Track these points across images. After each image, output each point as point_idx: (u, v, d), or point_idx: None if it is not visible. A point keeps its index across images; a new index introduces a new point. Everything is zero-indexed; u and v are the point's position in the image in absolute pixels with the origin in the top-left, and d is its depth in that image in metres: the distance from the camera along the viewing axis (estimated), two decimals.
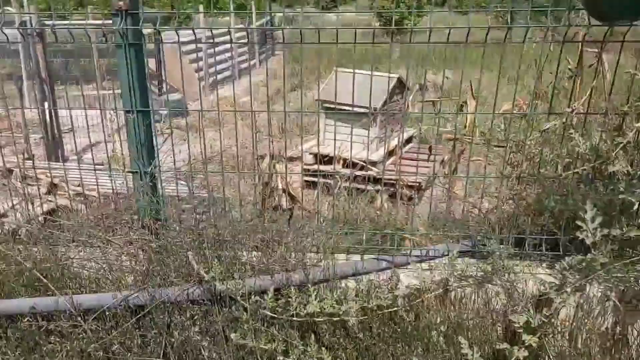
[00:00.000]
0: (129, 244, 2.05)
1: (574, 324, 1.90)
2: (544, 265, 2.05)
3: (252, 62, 13.20)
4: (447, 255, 2.14)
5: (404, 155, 5.24)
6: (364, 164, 4.72)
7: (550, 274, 1.94)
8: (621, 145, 1.67)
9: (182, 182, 2.94)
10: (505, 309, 1.91)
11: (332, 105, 4.99)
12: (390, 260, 2.07)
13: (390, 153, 5.25)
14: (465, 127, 3.45)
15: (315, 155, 5.29)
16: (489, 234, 1.99)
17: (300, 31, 2.00)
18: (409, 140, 5.84)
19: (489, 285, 1.94)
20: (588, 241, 1.74)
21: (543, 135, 1.72)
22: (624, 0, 1.39)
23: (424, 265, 2.08)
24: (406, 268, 2.09)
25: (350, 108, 4.68)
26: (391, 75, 5.15)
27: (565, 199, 1.87)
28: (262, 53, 14.05)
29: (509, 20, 1.90)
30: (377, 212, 3.88)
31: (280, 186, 2.78)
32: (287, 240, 2.21)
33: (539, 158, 1.75)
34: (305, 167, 5.34)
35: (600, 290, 1.87)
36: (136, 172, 1.98)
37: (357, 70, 5.55)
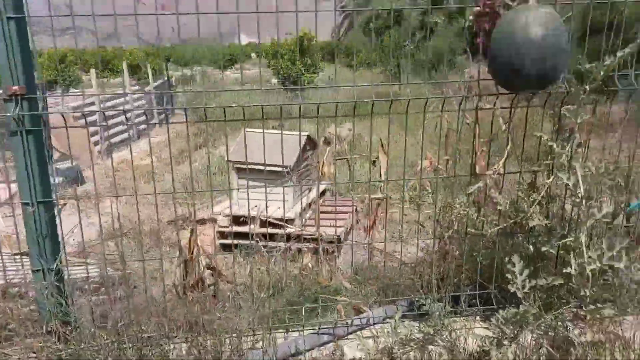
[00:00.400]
0: (32, 354, 1.76)
1: None
2: (477, 318, 2.09)
3: (151, 122, 12.76)
4: (387, 319, 2.11)
5: (320, 209, 5.26)
6: (281, 222, 4.65)
7: (487, 328, 1.97)
8: (536, 201, 1.78)
9: (93, 264, 2.65)
10: None
11: (244, 166, 4.92)
12: (331, 333, 1.98)
13: (306, 208, 5.25)
14: (380, 183, 3.54)
15: (230, 216, 5.12)
16: (426, 294, 2.00)
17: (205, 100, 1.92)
18: (323, 193, 5.90)
19: (432, 346, 1.93)
20: (519, 293, 1.81)
21: (469, 197, 1.79)
22: (531, 78, 1.53)
23: (366, 332, 2.03)
24: (348, 339, 2.02)
25: (263, 167, 4.63)
26: (302, 133, 5.22)
27: (492, 252, 1.95)
28: (161, 113, 13.66)
29: (408, 93, 2.00)
30: (302, 271, 3.80)
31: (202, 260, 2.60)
32: (218, 323, 2.05)
33: (466, 218, 1.81)
34: (219, 229, 5.14)
35: (533, 338, 1.93)
36: (38, 270, 1.72)
37: (266, 131, 5.56)
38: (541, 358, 1.99)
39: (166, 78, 15.22)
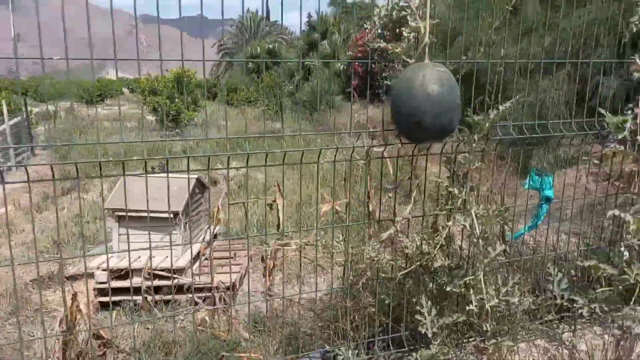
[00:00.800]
0: None
1: None
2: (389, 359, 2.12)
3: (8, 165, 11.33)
4: None
5: (213, 255, 5.04)
6: (168, 274, 4.36)
7: None
8: (439, 243, 1.89)
9: None
10: None
11: (124, 214, 4.55)
12: None
13: (197, 256, 4.99)
14: (278, 226, 3.51)
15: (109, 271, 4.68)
16: (339, 342, 1.98)
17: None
18: (215, 237, 5.67)
19: None
20: (429, 333, 1.88)
21: (381, 243, 1.84)
22: (431, 130, 1.64)
23: None
24: None
25: (147, 214, 4.32)
26: (190, 176, 5.02)
27: (401, 295, 2.01)
28: (19, 154, 12.24)
29: (301, 143, 2.04)
30: (198, 326, 3.57)
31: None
32: None
33: (377, 262, 1.86)
34: (97, 286, 4.65)
35: None
36: None
37: (150, 175, 5.25)
38: None
39: (25, 115, 13.75)
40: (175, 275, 4.33)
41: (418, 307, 1.89)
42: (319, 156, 1.99)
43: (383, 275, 1.91)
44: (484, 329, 1.89)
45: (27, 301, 4.86)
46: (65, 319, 2.15)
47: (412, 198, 1.83)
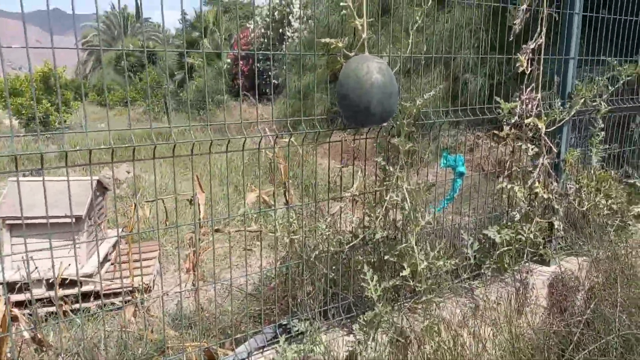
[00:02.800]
0: None
1: None
2: (342, 328, 2.32)
3: None
4: (260, 349, 2.16)
5: (123, 258, 4.82)
6: (76, 279, 4.10)
7: (351, 333, 2.22)
8: (379, 217, 2.13)
9: None
10: None
11: (19, 222, 4.18)
12: None
13: (104, 260, 4.74)
14: (200, 219, 3.53)
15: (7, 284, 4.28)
16: (292, 315, 2.13)
17: None
18: (121, 240, 5.40)
19: None
20: (373, 297, 2.11)
21: (332, 218, 2.02)
22: (376, 115, 1.87)
23: None
24: None
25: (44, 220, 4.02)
26: (92, 177, 4.75)
27: (348, 266, 2.22)
28: None
29: (192, 135, 2.14)
30: (124, 329, 3.44)
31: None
32: None
33: (327, 238, 2.04)
34: None
35: (384, 333, 2.26)
36: None
37: (47, 178, 4.89)
38: (392, 349, 2.33)
39: None
40: (89, 279, 4.10)
41: (362, 276, 2.11)
42: (227, 144, 2.06)
43: (332, 249, 2.10)
44: (417, 289, 2.17)
45: None
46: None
47: (358, 177, 2.05)
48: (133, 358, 2.54)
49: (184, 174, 9.41)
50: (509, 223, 2.71)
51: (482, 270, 2.58)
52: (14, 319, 2.28)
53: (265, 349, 2.13)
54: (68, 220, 4.28)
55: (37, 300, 4.14)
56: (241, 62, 19.18)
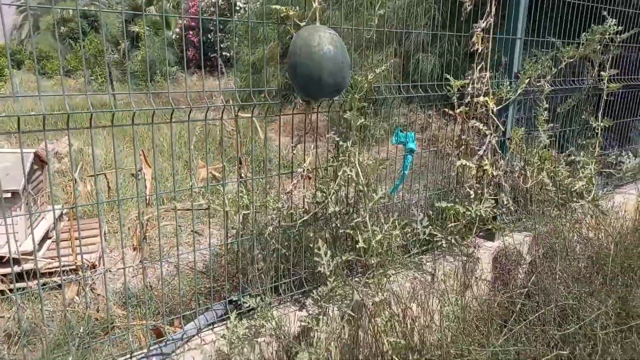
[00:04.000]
0: None
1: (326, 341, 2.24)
2: (292, 304, 2.32)
3: None
4: (208, 326, 2.12)
5: (62, 235, 4.60)
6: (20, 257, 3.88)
7: (303, 308, 2.22)
8: (332, 192, 2.12)
9: None
10: (278, 354, 2.07)
11: None
12: (159, 353, 1.87)
13: (45, 238, 4.50)
14: (147, 196, 3.42)
15: None
16: (243, 291, 2.11)
17: None
18: (60, 217, 5.14)
19: (260, 338, 2.05)
20: (326, 272, 2.12)
21: (286, 193, 1.99)
22: (328, 87, 1.84)
23: (192, 344, 1.99)
24: (176, 354, 1.95)
25: None
26: (26, 151, 4.48)
27: (299, 241, 2.20)
28: None
29: (133, 104, 2.06)
30: (68, 308, 3.30)
31: None
32: None
33: (279, 213, 2.01)
34: None
35: (337, 308, 2.28)
36: None
37: None
38: (345, 323, 2.36)
39: None
40: (29, 257, 3.89)
41: (316, 250, 2.10)
42: (171, 115, 1.98)
43: (284, 223, 2.08)
44: (371, 262, 2.20)
45: None
46: None
47: (311, 152, 2.02)
48: (78, 337, 2.44)
49: (129, 148, 9.05)
50: (457, 199, 2.78)
51: (431, 245, 2.65)
52: None
53: (215, 326, 2.10)
54: (4, 195, 4.02)
55: None
56: (190, 33, 18.49)
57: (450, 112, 2.62)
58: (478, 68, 2.56)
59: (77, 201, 4.99)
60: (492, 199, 2.80)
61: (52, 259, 4.12)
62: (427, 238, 2.62)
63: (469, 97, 2.55)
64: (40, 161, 4.68)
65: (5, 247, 4.13)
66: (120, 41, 22.73)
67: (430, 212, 2.71)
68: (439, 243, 2.63)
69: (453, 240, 2.61)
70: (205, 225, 4.42)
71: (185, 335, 1.98)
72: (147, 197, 3.50)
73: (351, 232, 2.15)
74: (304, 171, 1.97)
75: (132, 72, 18.31)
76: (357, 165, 2.14)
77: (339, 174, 2.12)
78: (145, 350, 1.84)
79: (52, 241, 4.64)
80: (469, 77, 2.55)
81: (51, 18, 29.76)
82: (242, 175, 2.29)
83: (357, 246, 2.15)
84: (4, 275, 4.05)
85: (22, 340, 3.08)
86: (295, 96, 2.00)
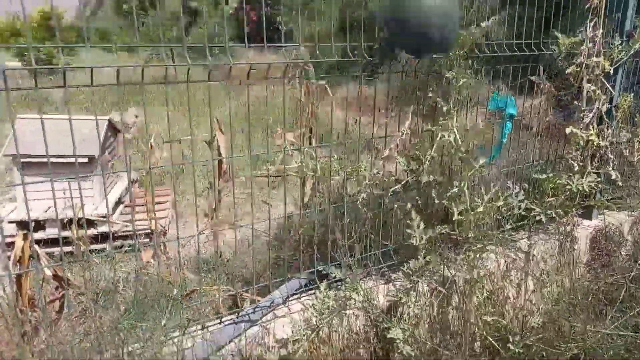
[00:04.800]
0: None
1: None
2: (378, 273, 2.19)
3: None
4: (295, 294, 2.04)
5: (136, 201, 4.70)
6: (99, 219, 4.00)
7: (391, 282, 2.09)
8: (429, 157, 1.95)
9: None
10: (366, 328, 1.96)
11: (32, 160, 4.02)
12: (247, 320, 1.81)
13: (118, 202, 4.61)
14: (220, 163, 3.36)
15: (20, 222, 4.19)
16: (328, 262, 2.00)
17: None
18: (133, 182, 5.27)
19: (348, 310, 1.95)
20: (419, 245, 1.96)
21: (383, 160, 1.85)
22: (437, 42, 1.65)
23: (279, 311, 1.92)
24: (264, 322, 1.88)
25: (60, 159, 3.85)
26: (101, 118, 4.56)
27: (389, 212, 2.06)
28: None
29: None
30: (143, 270, 3.35)
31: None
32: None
33: (373, 180, 1.87)
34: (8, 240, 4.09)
35: (426, 284, 2.14)
36: None
37: (51, 115, 4.68)
38: (434, 299, 2.21)
39: None
40: (112, 220, 3.99)
41: (408, 221, 1.95)
42: (248, 72, 1.86)
43: (375, 192, 1.94)
44: (467, 236, 2.02)
45: None
46: (16, 258, 1.87)
47: (410, 114, 1.85)
48: (171, 299, 2.44)
49: (196, 121, 9.16)
50: (557, 172, 2.53)
51: (528, 221, 2.43)
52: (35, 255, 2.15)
53: (301, 295, 2.02)
54: (81, 160, 4.12)
55: (53, 240, 4.05)
56: (247, 7, 18.44)
57: (567, 72, 2.32)
58: (592, 24, 2.28)
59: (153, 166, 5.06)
60: (595, 172, 2.53)
61: (127, 223, 4.21)
62: (522, 213, 2.40)
63: (580, 57, 2.28)
64: (113, 129, 4.77)
65: (86, 210, 4.26)
66: (178, 17, 23.09)
67: (526, 185, 2.48)
68: (537, 219, 2.41)
69: (554, 215, 2.38)
70: (273, 198, 4.37)
71: (273, 303, 1.91)
72: (222, 165, 3.45)
73: (447, 203, 1.98)
74: (403, 135, 1.81)
75: (190, 48, 18.52)
76: (456, 130, 1.96)
77: (437, 139, 1.94)
78: (234, 316, 1.78)
79: (125, 205, 4.75)
80: (582, 34, 2.28)
81: None
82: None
83: (454, 219, 1.97)
84: (79, 238, 4.18)
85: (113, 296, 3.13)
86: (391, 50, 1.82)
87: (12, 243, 4.05)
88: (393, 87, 2.04)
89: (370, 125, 2.01)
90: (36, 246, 2.01)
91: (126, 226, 4.08)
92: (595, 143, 2.44)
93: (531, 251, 2.35)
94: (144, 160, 5.35)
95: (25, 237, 1.91)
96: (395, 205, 1.99)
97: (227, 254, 3.85)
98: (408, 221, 1.96)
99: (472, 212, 1.97)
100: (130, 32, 24.19)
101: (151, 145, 3.72)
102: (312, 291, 2.01)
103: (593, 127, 2.45)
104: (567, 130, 2.32)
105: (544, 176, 2.38)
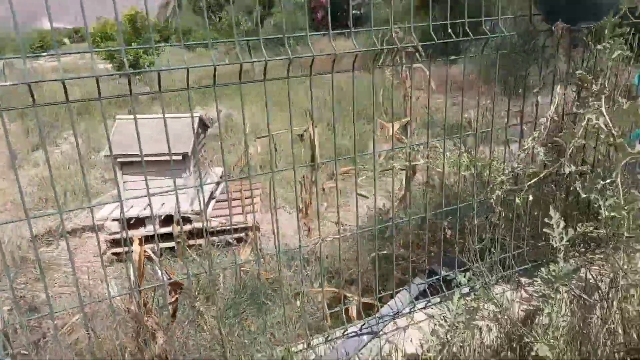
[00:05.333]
0: None
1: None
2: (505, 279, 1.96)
3: None
4: (410, 303, 1.86)
5: (222, 197, 4.75)
6: (192, 215, 4.06)
7: (522, 287, 1.85)
8: (573, 145, 1.67)
9: None
10: (501, 342, 1.74)
11: (130, 159, 4.15)
12: (371, 332, 1.66)
13: (210, 198, 4.68)
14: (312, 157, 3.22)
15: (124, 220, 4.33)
16: (455, 266, 1.79)
17: None
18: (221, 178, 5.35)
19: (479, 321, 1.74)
20: (558, 245, 1.70)
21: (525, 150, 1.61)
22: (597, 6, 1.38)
23: (401, 322, 1.75)
24: (385, 334, 1.72)
25: (155, 157, 3.93)
26: (194, 115, 4.61)
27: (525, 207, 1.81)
28: None
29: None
30: (242, 268, 3.33)
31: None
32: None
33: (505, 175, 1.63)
34: (108, 237, 4.28)
35: (566, 290, 1.87)
36: None
37: (147, 115, 4.76)
38: (576, 309, 1.94)
39: None
40: (211, 219, 4.04)
41: (547, 220, 1.70)
42: (353, 62, 1.67)
43: (508, 187, 1.70)
44: (624, 234, 1.72)
45: (24, 260, 4.42)
46: (135, 268, 1.85)
47: (556, 95, 1.59)
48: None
49: (281, 110, 9.21)
50: None
51: None
52: (148, 259, 2.14)
53: (425, 303, 1.83)
54: (175, 157, 4.19)
55: (152, 236, 4.16)
56: None
57: None
58: None
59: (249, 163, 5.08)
60: None
61: (224, 219, 4.23)
62: None
63: None
64: (203, 125, 4.83)
65: (182, 206, 4.34)
66: (252, 9, 23.43)
67: None
68: None
69: None
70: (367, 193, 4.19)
71: (396, 313, 1.74)
72: (316, 161, 3.33)
73: (596, 197, 1.69)
74: (547, 120, 1.55)
75: (266, 39, 18.72)
76: (604, 111, 1.66)
77: (582, 124, 1.66)
78: (358, 327, 1.63)
79: (217, 201, 4.80)
80: None
81: None
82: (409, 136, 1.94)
83: (604, 215, 1.68)
84: (170, 234, 4.27)
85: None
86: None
87: (116, 240, 4.17)
88: (520, 65, 1.78)
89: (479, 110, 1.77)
90: (149, 250, 1.99)
91: (223, 223, 4.10)
92: None
93: None
94: (237, 155, 5.36)
95: (140, 243, 1.89)
96: (531, 201, 1.73)
97: (326, 252, 3.75)
98: (545, 219, 1.70)
99: (625, 207, 1.67)
100: (208, 28, 25.03)
101: (244, 142, 3.67)
102: (434, 298, 1.81)
103: None
104: None
105: None
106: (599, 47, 1.62)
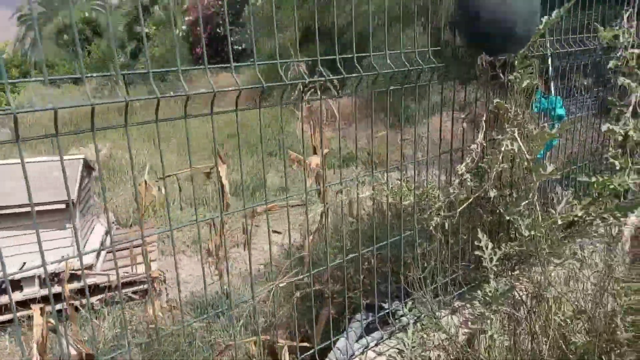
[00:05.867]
0: None
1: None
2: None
3: None
4: (367, 347, 1.79)
5: (120, 246, 4.30)
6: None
7: (455, 310, 1.88)
8: (496, 168, 1.77)
9: None
10: None
11: (5, 211, 3.60)
12: None
13: (100, 250, 4.20)
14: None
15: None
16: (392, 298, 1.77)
17: None
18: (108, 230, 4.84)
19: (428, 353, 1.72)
20: (490, 267, 1.77)
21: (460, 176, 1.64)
22: (516, 38, 1.48)
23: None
24: None
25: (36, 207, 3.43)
26: (77, 156, 4.17)
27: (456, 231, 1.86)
28: None
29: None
30: (151, 325, 2.99)
31: None
32: None
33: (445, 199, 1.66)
34: None
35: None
36: None
37: (18, 160, 4.24)
38: (507, 325, 2.01)
39: None
40: (98, 273, 3.59)
41: (476, 242, 1.76)
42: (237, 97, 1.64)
43: (442, 213, 1.73)
44: (543, 251, 1.84)
45: None
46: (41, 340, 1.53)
47: (482, 124, 1.66)
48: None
49: (163, 147, 8.74)
50: (595, 172, 2.41)
51: (577, 228, 2.28)
52: (52, 330, 1.80)
53: (379, 340, 1.77)
54: (58, 206, 3.72)
55: (32, 300, 3.60)
56: (198, 28, 18.04)
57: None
58: (626, 16, 2.19)
59: (152, 207, 4.67)
60: (636, 169, 2.43)
61: (124, 272, 3.82)
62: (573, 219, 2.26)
63: (620, 50, 2.17)
64: (88, 168, 4.38)
65: (62, 263, 3.83)
66: (126, 44, 22.40)
67: (572, 188, 2.35)
68: (588, 224, 2.27)
69: (615, 216, 2.24)
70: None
71: (350, 357, 1.65)
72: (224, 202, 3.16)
73: (517, 217, 1.80)
74: (478, 147, 1.61)
75: (141, 74, 17.95)
76: (518, 138, 1.78)
77: (501, 149, 1.76)
78: None
79: (107, 251, 4.34)
80: (619, 26, 2.18)
81: (53, 27, 29.33)
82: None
83: (525, 235, 1.79)
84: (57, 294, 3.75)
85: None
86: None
87: None
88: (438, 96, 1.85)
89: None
90: (52, 321, 1.67)
91: (124, 277, 3.70)
92: (634, 138, 2.33)
93: (584, 258, 2.20)
94: (140, 203, 4.92)
95: (42, 312, 1.57)
96: (462, 225, 1.79)
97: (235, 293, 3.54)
98: (475, 242, 1.76)
99: (542, 226, 1.79)
100: (73, 63, 23.25)
101: (146, 183, 3.37)
102: (385, 333, 1.76)
103: (630, 121, 2.35)
104: (604, 128, 2.21)
105: (594, 178, 2.25)
106: (510, 77, 1.75)
